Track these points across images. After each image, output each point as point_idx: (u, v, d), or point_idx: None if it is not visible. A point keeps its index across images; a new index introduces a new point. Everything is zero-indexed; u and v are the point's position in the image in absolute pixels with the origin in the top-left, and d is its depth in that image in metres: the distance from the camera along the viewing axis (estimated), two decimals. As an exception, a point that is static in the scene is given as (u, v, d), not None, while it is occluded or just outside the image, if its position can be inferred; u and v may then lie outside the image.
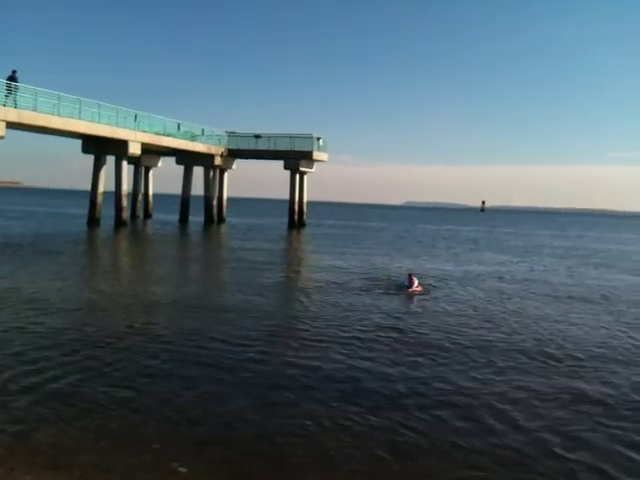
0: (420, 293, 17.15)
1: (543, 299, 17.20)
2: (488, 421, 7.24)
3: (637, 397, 8.41)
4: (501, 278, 21.74)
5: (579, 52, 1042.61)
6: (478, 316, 14.05)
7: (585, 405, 7.97)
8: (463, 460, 6.17)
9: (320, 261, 25.61)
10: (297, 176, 49.77)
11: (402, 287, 17.76)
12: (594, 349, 11.15)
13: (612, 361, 10.33)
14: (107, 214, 40.42)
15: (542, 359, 10.23)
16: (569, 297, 17.87)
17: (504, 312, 14.75)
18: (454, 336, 11.75)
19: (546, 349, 10.96)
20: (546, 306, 15.95)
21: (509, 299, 16.90)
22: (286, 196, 50.99)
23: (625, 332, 12.90)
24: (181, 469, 5.68)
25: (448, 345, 10.99)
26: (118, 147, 38.46)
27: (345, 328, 12.08)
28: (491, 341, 11.47)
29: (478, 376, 9.08)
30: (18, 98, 30.78)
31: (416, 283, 17.69)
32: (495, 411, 7.58)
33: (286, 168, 48.84)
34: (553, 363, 10.01)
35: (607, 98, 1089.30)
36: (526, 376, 9.17)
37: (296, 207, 50.67)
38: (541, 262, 29.61)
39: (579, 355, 10.64)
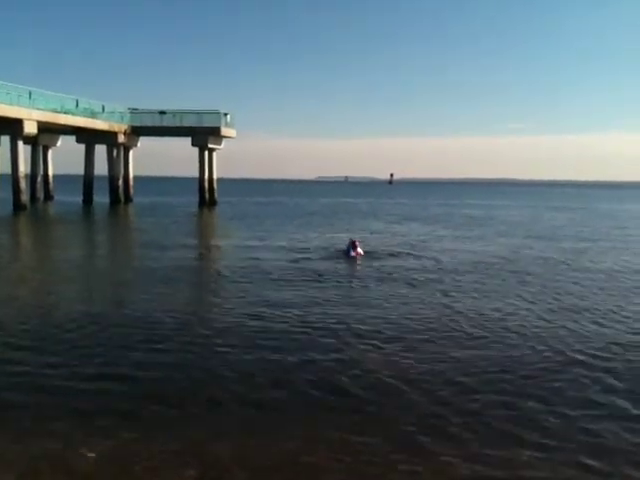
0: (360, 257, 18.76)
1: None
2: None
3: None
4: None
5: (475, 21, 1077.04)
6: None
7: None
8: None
9: (234, 239, 25.58)
10: (206, 153, 49.05)
11: (345, 253, 19.23)
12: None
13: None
14: (4, 197, 38.37)
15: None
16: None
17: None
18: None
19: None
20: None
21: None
22: (195, 174, 50.23)
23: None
24: (90, 454, 5.67)
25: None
26: (12, 126, 36.35)
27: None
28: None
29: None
30: None
31: (359, 249, 19.21)
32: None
33: (194, 145, 48.05)
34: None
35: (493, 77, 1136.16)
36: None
37: (206, 185, 49.99)
38: (408, 226, 33.67)
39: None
